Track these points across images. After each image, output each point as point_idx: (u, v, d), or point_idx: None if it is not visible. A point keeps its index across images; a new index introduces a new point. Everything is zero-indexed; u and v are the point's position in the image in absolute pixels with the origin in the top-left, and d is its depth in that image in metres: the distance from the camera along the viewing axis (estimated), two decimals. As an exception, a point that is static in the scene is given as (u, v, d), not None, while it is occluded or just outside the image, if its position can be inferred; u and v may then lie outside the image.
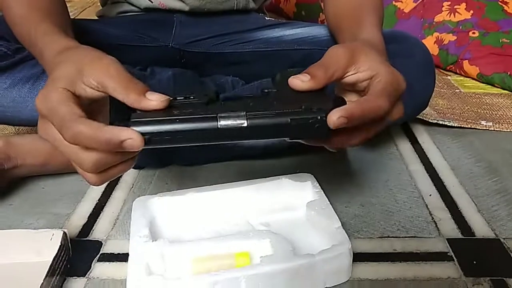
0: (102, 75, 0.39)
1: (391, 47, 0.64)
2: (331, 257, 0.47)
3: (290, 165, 0.70)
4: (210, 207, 0.57)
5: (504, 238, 0.55)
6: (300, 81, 0.42)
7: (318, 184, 0.57)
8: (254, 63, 0.77)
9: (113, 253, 0.55)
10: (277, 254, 0.47)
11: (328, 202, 0.54)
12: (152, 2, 0.78)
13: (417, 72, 0.65)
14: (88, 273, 0.52)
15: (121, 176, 0.70)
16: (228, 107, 0.40)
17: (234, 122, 0.38)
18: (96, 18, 0.86)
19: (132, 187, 0.68)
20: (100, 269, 0.53)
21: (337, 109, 0.39)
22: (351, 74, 0.44)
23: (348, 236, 0.49)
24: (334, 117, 0.38)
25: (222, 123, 0.38)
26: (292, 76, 0.43)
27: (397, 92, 0.44)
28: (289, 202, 0.57)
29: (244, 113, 0.39)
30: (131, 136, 0.37)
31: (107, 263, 0.54)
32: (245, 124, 0.38)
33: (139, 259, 0.47)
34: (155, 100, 0.39)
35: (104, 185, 0.68)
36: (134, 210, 0.55)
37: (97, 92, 0.40)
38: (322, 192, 0.56)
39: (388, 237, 0.56)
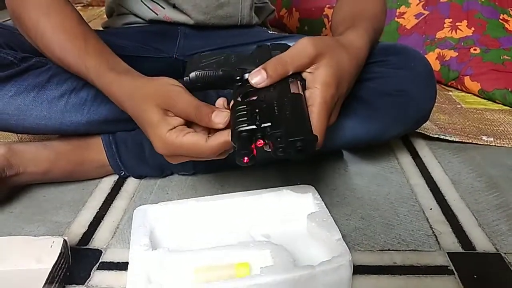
0: (183, 108, 0.49)
1: (392, 59, 0.65)
2: (331, 268, 0.46)
3: (292, 177, 0.70)
4: (210, 217, 0.57)
5: (505, 253, 0.55)
6: (255, 78, 0.47)
7: (319, 196, 0.57)
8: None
9: (112, 262, 0.55)
10: (277, 264, 0.47)
11: (329, 214, 0.54)
12: (157, 14, 0.79)
13: (418, 84, 0.65)
14: (87, 281, 0.52)
15: (122, 186, 0.71)
16: None
17: None
18: (102, 29, 0.87)
19: (133, 196, 0.68)
20: (99, 278, 0.53)
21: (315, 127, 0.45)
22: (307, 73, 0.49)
23: (349, 249, 0.49)
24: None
25: None
26: (252, 73, 0.47)
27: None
28: (290, 214, 0.57)
29: None
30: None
31: (107, 271, 0.54)
32: None
33: (139, 268, 0.47)
34: (220, 123, 0.46)
35: (105, 194, 0.69)
36: (135, 219, 0.55)
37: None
38: (323, 204, 0.56)
39: (389, 250, 0.56)
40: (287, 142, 0.41)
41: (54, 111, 0.64)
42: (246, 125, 0.43)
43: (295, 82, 0.47)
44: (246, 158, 0.42)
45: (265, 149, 0.44)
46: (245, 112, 0.44)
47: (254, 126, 0.43)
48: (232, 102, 0.48)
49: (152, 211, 0.56)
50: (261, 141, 0.43)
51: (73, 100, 0.65)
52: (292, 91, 0.46)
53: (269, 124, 0.42)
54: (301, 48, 0.48)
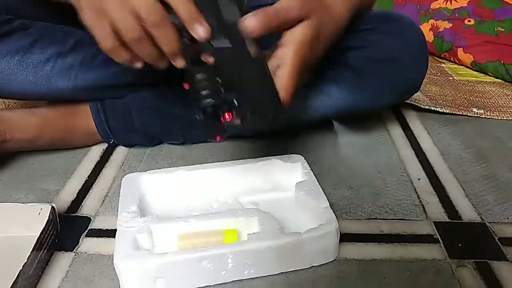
0: None
1: (385, 26, 0.64)
2: (317, 235, 0.47)
3: (282, 147, 0.70)
4: (199, 185, 0.57)
5: (489, 222, 0.56)
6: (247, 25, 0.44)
7: (308, 166, 0.57)
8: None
9: (101, 229, 0.55)
10: (265, 231, 0.47)
11: (317, 183, 0.54)
12: None
13: (409, 53, 0.64)
14: (76, 248, 0.52)
15: (111, 154, 0.70)
16: None
17: None
18: None
19: (122, 165, 0.68)
20: (88, 244, 0.53)
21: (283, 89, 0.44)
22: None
23: (336, 217, 0.49)
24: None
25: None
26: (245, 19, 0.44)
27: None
28: (279, 183, 0.58)
29: None
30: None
31: (95, 238, 0.54)
32: None
33: (127, 234, 0.48)
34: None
35: (94, 162, 0.68)
36: (123, 186, 0.55)
37: None
38: (312, 174, 0.56)
39: (376, 219, 0.56)
40: (257, 114, 0.39)
41: (40, 76, 0.63)
42: (210, 99, 0.41)
43: (253, 40, 0.44)
44: (218, 136, 0.41)
45: (233, 122, 0.42)
46: (207, 83, 0.42)
47: (220, 101, 0.41)
48: (184, 63, 0.45)
49: (141, 179, 0.56)
50: (229, 114, 0.41)
51: (59, 65, 0.64)
52: (252, 53, 0.43)
53: (235, 96, 0.40)
54: (289, 5, 0.46)
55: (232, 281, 0.47)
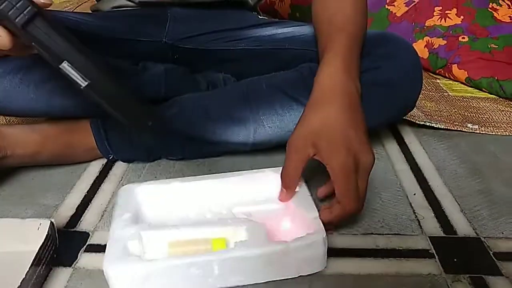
0: None
1: (379, 50, 0.66)
2: (304, 244, 0.48)
3: (279, 161, 0.71)
4: (194, 196, 0.58)
5: (484, 237, 0.57)
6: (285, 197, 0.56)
7: (302, 178, 0.57)
8: (245, 61, 0.77)
9: (100, 244, 0.56)
10: (252, 240, 0.48)
11: (309, 194, 0.55)
12: None
13: (404, 73, 0.66)
14: (75, 263, 0.53)
15: (110, 169, 0.71)
16: None
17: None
18: (91, 12, 0.86)
19: (121, 180, 0.68)
20: (86, 260, 0.53)
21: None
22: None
23: (332, 232, 0.50)
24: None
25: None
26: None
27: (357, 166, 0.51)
28: (272, 194, 0.58)
29: None
30: None
31: (94, 254, 0.54)
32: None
33: (118, 241, 0.48)
34: None
35: (93, 177, 0.69)
36: (119, 196, 0.56)
37: None
38: (304, 185, 0.57)
39: (372, 233, 0.57)
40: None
41: (41, 93, 0.64)
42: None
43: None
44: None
45: None
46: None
47: None
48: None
49: (136, 189, 0.57)
50: None
51: (60, 83, 0.65)
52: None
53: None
54: (290, 159, 0.54)
55: None
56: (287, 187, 0.55)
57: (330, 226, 0.54)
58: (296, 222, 0.54)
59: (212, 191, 0.58)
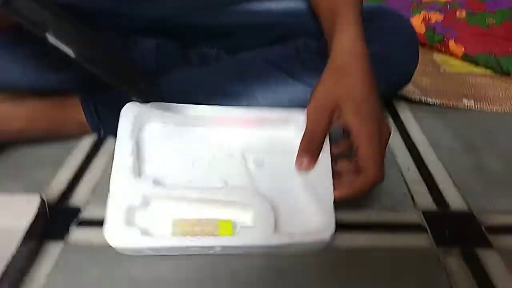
0: None
1: (376, 22, 0.64)
2: (310, 241, 0.47)
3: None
4: (206, 129, 0.54)
5: (477, 211, 0.57)
6: (302, 166, 0.50)
7: (328, 146, 0.51)
8: (240, 35, 0.76)
9: (91, 219, 0.55)
10: (258, 228, 0.47)
11: (330, 168, 0.50)
12: None
13: (400, 46, 0.65)
14: (66, 237, 0.53)
15: (101, 145, 0.70)
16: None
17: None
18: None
19: (113, 155, 0.67)
20: (77, 234, 0.53)
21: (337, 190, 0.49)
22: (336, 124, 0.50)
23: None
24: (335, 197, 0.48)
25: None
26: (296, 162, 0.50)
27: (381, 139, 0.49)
28: (292, 144, 0.51)
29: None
30: None
31: (86, 228, 0.54)
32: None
33: (119, 204, 0.46)
34: None
35: (84, 153, 0.68)
36: (122, 117, 0.52)
37: None
38: (328, 147, 0.51)
39: (365, 208, 0.57)
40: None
41: (30, 69, 0.63)
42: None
43: None
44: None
45: None
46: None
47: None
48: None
49: (143, 111, 0.53)
50: None
51: (49, 58, 0.63)
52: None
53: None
54: (315, 118, 0.50)
55: (221, 255, 0.49)
56: (311, 155, 0.50)
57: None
58: (309, 199, 0.50)
59: (226, 124, 0.54)
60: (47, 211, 0.53)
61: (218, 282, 0.47)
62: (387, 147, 0.51)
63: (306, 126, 0.51)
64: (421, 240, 0.52)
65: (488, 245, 0.52)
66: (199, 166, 0.52)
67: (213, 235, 0.47)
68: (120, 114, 0.53)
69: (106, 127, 0.70)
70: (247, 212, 0.49)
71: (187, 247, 0.46)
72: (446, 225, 0.54)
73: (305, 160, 0.50)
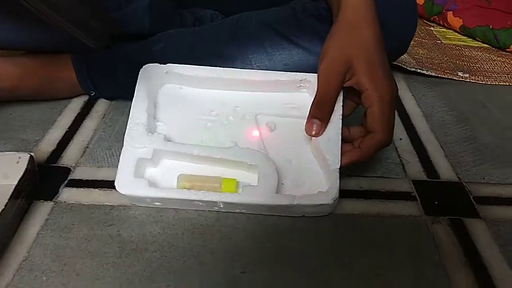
0: None
1: None
2: (311, 204, 0.47)
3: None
4: (221, 89, 0.55)
5: (466, 182, 0.57)
6: (313, 130, 0.49)
7: (341, 101, 0.51)
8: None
9: (81, 179, 0.55)
10: (261, 187, 0.47)
11: (340, 132, 0.49)
12: None
13: (399, 13, 0.63)
14: (56, 197, 0.52)
15: (92, 106, 0.69)
16: None
17: None
18: None
19: (104, 117, 0.67)
20: (67, 194, 0.53)
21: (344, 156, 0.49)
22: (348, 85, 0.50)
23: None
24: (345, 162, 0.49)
25: None
26: (306, 127, 0.49)
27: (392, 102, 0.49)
28: (307, 104, 0.51)
29: None
30: None
31: (75, 188, 0.54)
32: None
33: (131, 156, 0.49)
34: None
35: (75, 113, 0.67)
36: (139, 82, 0.54)
37: None
38: (340, 113, 0.50)
39: (356, 176, 0.57)
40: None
41: (20, 26, 0.61)
42: None
43: None
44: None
45: None
46: None
47: None
48: None
49: (159, 75, 0.55)
50: None
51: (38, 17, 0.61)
52: None
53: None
54: (326, 79, 0.49)
55: (240, 216, 0.50)
56: (322, 119, 0.49)
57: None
58: (315, 163, 0.51)
59: (241, 86, 0.54)
60: (37, 170, 0.52)
61: (207, 241, 0.47)
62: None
63: (318, 87, 0.50)
64: (410, 208, 0.53)
65: (475, 215, 0.52)
66: (211, 127, 0.53)
67: (216, 191, 0.48)
68: (139, 75, 0.54)
69: (98, 88, 0.68)
70: (252, 172, 0.49)
71: (190, 201, 0.47)
72: (435, 195, 0.55)
73: (315, 126, 0.49)
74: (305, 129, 0.50)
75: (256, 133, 0.53)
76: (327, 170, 0.49)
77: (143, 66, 0.55)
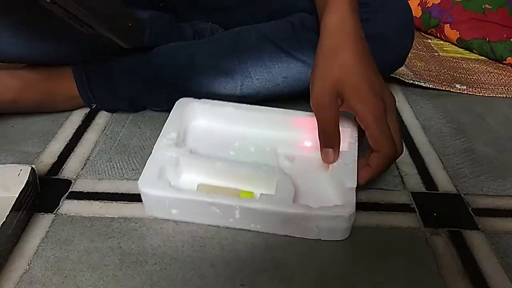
0: None
1: (373, 2, 0.64)
2: (327, 216, 0.47)
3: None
4: (244, 125, 0.59)
5: (464, 194, 0.58)
6: (328, 158, 0.52)
7: (356, 135, 0.55)
8: (235, 10, 0.75)
9: (82, 192, 0.55)
10: (278, 196, 0.48)
11: (356, 159, 0.53)
12: None
13: (396, 28, 0.65)
14: (56, 209, 0.52)
15: (93, 119, 0.70)
16: None
17: None
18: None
19: (104, 129, 0.67)
20: (68, 206, 0.53)
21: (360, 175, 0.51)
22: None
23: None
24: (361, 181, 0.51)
25: None
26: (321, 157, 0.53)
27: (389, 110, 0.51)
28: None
29: None
30: None
31: (76, 201, 0.54)
32: None
33: (157, 161, 0.51)
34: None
35: (76, 126, 0.68)
36: (174, 109, 0.59)
37: None
38: (356, 146, 0.54)
39: (356, 188, 0.57)
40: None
41: (21, 37, 0.61)
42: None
43: None
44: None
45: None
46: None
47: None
48: None
49: (192, 104, 0.60)
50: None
51: (41, 27, 0.62)
52: None
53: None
54: (320, 110, 0.51)
55: (242, 234, 0.49)
56: (332, 146, 0.52)
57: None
58: (332, 185, 0.52)
59: (263, 123, 0.59)
60: (38, 183, 0.53)
61: (207, 253, 0.47)
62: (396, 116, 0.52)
63: (318, 123, 0.52)
64: (409, 220, 0.53)
65: (474, 226, 0.53)
66: (234, 155, 0.57)
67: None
68: (174, 106, 0.59)
69: (99, 101, 0.69)
70: (270, 187, 0.50)
71: (208, 204, 0.48)
72: (434, 207, 0.55)
73: (329, 153, 0.52)
74: (322, 158, 0.53)
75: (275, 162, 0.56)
76: (343, 189, 0.50)
77: (180, 99, 0.60)
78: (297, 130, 0.58)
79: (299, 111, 0.59)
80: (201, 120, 0.60)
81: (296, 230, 0.49)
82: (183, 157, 0.52)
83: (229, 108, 0.60)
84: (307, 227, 0.48)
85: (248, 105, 0.60)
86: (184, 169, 0.53)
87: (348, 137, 0.55)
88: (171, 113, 0.58)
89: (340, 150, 0.53)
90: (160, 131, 0.56)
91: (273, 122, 0.59)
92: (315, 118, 0.53)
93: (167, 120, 0.57)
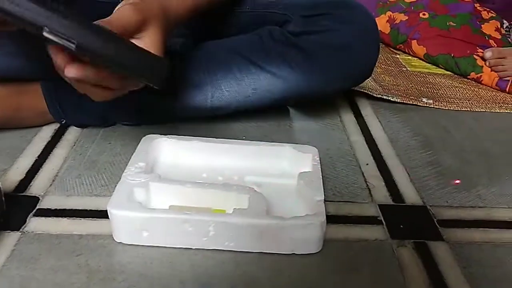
0: None
1: (339, 13, 0.66)
2: (300, 224, 0.48)
3: (236, 132, 0.71)
4: (211, 157, 0.60)
5: (430, 205, 0.59)
6: None
7: (318, 159, 0.59)
8: (207, 24, 0.76)
9: (50, 209, 0.54)
10: (250, 209, 0.49)
11: (320, 176, 0.55)
12: None
13: (361, 39, 0.66)
14: (23, 227, 0.52)
15: (63, 134, 0.69)
16: None
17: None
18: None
19: (74, 145, 0.67)
20: (35, 224, 0.52)
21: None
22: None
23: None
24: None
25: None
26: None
27: None
28: (286, 169, 0.60)
29: None
30: None
31: (43, 218, 0.53)
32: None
33: (126, 186, 0.51)
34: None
35: (45, 142, 0.67)
36: (141, 144, 0.59)
37: None
38: (319, 167, 0.57)
39: (324, 201, 0.58)
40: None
41: None
42: None
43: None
44: None
45: None
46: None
47: None
48: None
49: (157, 140, 0.60)
50: None
51: (13, 44, 0.61)
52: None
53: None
54: (126, 15, 0.46)
55: (212, 249, 0.49)
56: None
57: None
58: (301, 201, 0.54)
59: (229, 155, 0.60)
60: (3, 200, 0.52)
61: (176, 270, 0.47)
62: None
63: (112, 17, 0.46)
64: (376, 232, 0.54)
65: (439, 237, 0.54)
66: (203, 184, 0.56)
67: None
68: (139, 143, 0.59)
69: (69, 116, 0.68)
70: (243, 204, 0.50)
71: (181, 222, 0.47)
72: (401, 219, 0.57)
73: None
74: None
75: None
76: (313, 202, 0.51)
77: (145, 136, 0.61)
78: (263, 160, 0.60)
79: (264, 142, 0.62)
80: (168, 155, 0.60)
81: (270, 245, 0.49)
82: (153, 182, 0.52)
83: (195, 142, 0.60)
84: (281, 240, 0.49)
85: (214, 138, 0.61)
86: (155, 193, 0.52)
87: (311, 160, 0.58)
88: (137, 148, 0.58)
89: (306, 171, 0.56)
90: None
91: (240, 153, 0.60)
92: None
93: (134, 154, 0.57)
